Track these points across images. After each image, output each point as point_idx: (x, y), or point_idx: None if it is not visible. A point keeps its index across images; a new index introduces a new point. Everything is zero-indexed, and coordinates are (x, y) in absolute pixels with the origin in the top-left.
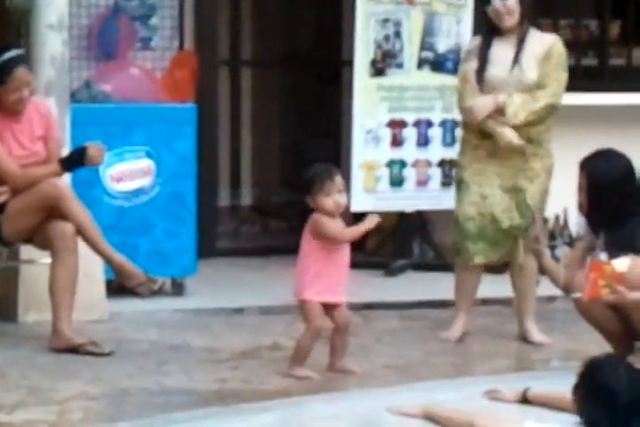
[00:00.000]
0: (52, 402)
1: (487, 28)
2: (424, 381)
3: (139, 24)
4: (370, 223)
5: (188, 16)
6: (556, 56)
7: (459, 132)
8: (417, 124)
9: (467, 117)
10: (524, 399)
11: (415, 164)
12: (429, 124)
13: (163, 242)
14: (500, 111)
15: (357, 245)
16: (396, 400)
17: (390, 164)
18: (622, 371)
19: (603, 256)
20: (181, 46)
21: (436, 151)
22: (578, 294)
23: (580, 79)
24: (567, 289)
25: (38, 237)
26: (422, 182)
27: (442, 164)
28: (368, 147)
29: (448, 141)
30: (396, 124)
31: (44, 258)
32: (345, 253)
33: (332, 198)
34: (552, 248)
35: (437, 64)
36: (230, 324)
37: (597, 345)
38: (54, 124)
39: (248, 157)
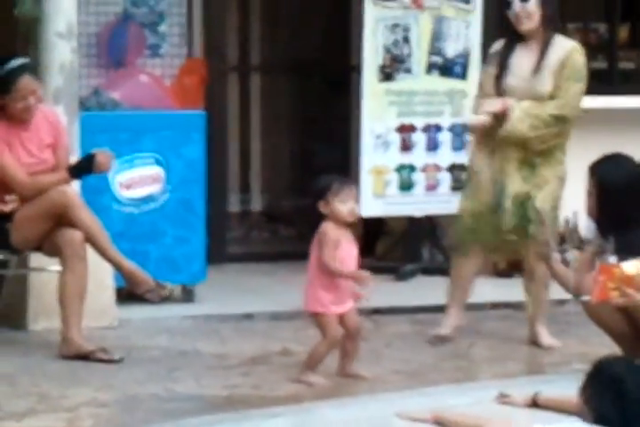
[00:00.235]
0: (63, 409)
1: (510, 32)
2: (434, 385)
3: (148, 31)
4: (360, 277)
5: (197, 23)
6: (570, 66)
7: (469, 137)
8: (426, 128)
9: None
10: (534, 404)
11: (424, 168)
12: (438, 128)
13: (172, 248)
14: (505, 114)
15: (367, 250)
16: (406, 405)
17: (399, 168)
18: (631, 367)
19: (612, 259)
20: (190, 53)
21: (446, 156)
22: (587, 297)
23: (589, 82)
24: (576, 292)
25: (47, 244)
26: (432, 187)
27: (451, 168)
28: (377, 152)
29: (457, 146)
30: (406, 129)
31: (54, 265)
32: (355, 260)
33: (347, 206)
34: (562, 252)
35: (446, 69)
36: (240, 330)
37: (608, 348)
38: (63, 131)
39: (257, 163)
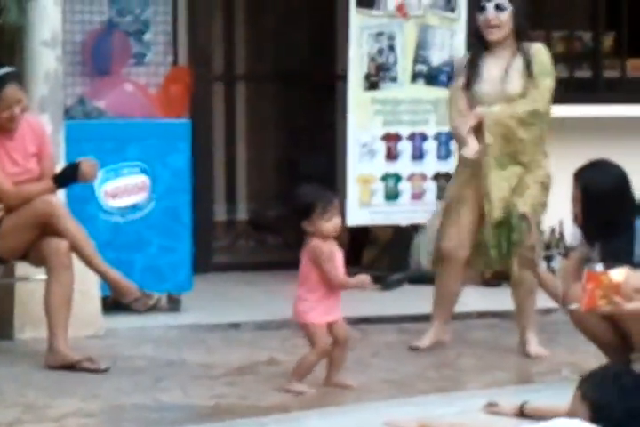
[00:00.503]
0: (49, 419)
1: (476, 42)
2: (421, 395)
3: (132, 40)
4: (363, 282)
5: (182, 31)
6: (537, 63)
7: (453, 146)
8: (411, 137)
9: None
10: (522, 413)
11: (410, 177)
12: (424, 137)
13: (158, 258)
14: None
15: (353, 259)
16: (393, 414)
17: (385, 177)
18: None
19: (599, 267)
20: (175, 62)
21: (431, 165)
22: (574, 306)
23: (573, 91)
24: (563, 300)
25: (33, 254)
26: (418, 196)
27: (437, 177)
28: (363, 160)
29: (443, 155)
30: (391, 138)
31: (40, 275)
32: (343, 268)
33: (331, 223)
34: (548, 259)
35: (431, 77)
36: (226, 339)
37: (595, 357)
38: (48, 140)
39: (243, 172)
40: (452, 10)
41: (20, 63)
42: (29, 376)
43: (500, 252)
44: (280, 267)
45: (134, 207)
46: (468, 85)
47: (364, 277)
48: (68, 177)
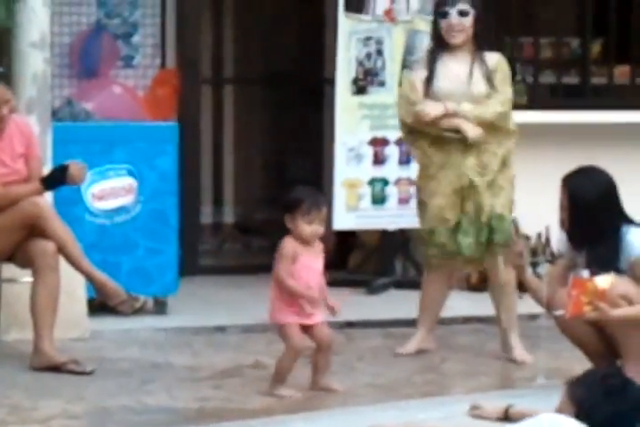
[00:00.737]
0: (33, 421)
1: (435, 43)
2: (406, 399)
3: (121, 42)
4: (313, 296)
5: (170, 34)
6: (501, 72)
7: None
8: (399, 142)
9: (417, 119)
10: (506, 417)
11: (397, 182)
12: None
13: (145, 260)
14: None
15: (339, 263)
16: (378, 419)
17: (372, 182)
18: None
19: (585, 273)
20: (163, 64)
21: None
22: (560, 312)
23: (561, 97)
24: (549, 306)
25: (19, 255)
26: (404, 200)
27: None
28: (350, 165)
29: None
30: (378, 142)
31: (26, 276)
32: (315, 279)
33: (312, 227)
34: (534, 265)
35: None
36: (212, 342)
37: (580, 363)
38: (35, 142)
39: (230, 175)
40: None
41: (7, 64)
42: (14, 378)
43: (474, 251)
44: (266, 270)
45: (121, 209)
46: (429, 80)
47: (313, 295)
48: (57, 179)
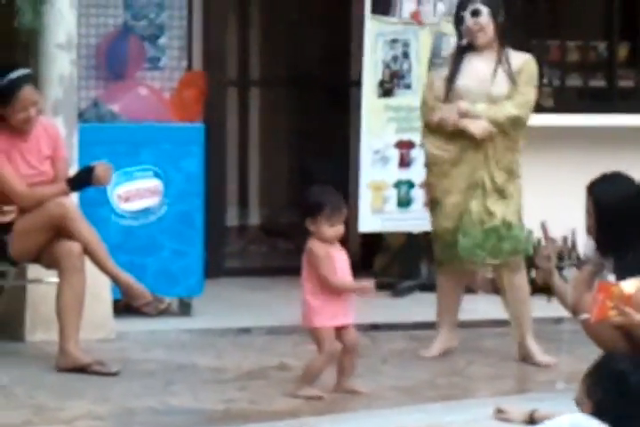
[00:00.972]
0: (59, 421)
1: (463, 44)
2: (431, 402)
3: (147, 44)
4: (365, 286)
5: (197, 36)
6: (527, 72)
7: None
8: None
9: (438, 125)
10: (532, 421)
11: (423, 184)
12: None
13: (170, 262)
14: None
15: (364, 266)
16: (402, 421)
17: (398, 184)
18: (635, 364)
19: (611, 278)
20: (190, 66)
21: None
22: (585, 316)
23: (588, 100)
24: (575, 310)
25: (45, 256)
26: None
27: None
28: (376, 167)
29: None
30: (404, 145)
31: (52, 277)
32: (348, 274)
33: (335, 229)
34: (560, 269)
35: None
36: (237, 344)
37: None
38: (62, 143)
39: (256, 177)
40: None
41: (34, 66)
42: (40, 378)
43: (473, 252)
44: (291, 272)
45: (147, 211)
46: (451, 78)
47: (367, 283)
48: (83, 180)
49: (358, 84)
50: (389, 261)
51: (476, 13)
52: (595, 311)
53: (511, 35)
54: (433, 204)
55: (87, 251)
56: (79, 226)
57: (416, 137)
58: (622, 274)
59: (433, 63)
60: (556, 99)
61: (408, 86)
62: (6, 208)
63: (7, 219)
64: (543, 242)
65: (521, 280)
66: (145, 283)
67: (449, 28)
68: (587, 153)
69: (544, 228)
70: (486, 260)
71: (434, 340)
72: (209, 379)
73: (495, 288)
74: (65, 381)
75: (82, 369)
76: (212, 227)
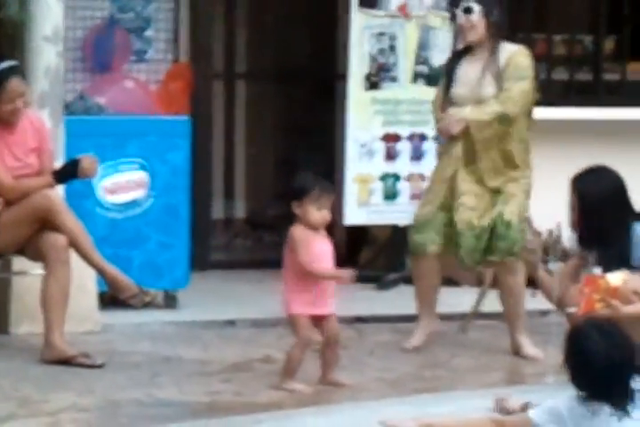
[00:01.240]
0: (44, 414)
1: (458, 49)
2: (415, 394)
3: (134, 36)
4: (343, 275)
5: (183, 29)
6: (513, 66)
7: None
8: (411, 137)
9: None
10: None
11: (409, 177)
12: (423, 137)
13: (156, 254)
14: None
15: (350, 259)
16: (387, 413)
17: (384, 177)
18: (599, 337)
19: (597, 271)
20: (176, 59)
21: (430, 165)
22: (572, 309)
23: (574, 94)
24: (560, 304)
25: (31, 248)
26: (416, 196)
27: None
28: (362, 160)
29: None
30: (390, 138)
31: (37, 269)
32: (329, 262)
33: (321, 213)
34: (545, 263)
35: (432, 78)
36: (222, 336)
37: None
38: (48, 136)
39: (242, 170)
40: None
41: (20, 58)
42: (25, 371)
43: (472, 256)
44: (277, 265)
45: (133, 203)
46: (447, 89)
47: (344, 272)
48: (68, 173)
49: (344, 77)
50: (375, 254)
51: (467, 11)
52: (581, 304)
53: (502, 28)
54: (425, 191)
55: (72, 243)
56: (64, 218)
57: (402, 130)
58: (607, 267)
59: (420, 57)
60: (543, 92)
61: (394, 79)
62: None
63: None
64: (528, 236)
65: (516, 281)
66: (130, 275)
67: (436, 21)
68: (572, 146)
69: (529, 222)
70: (482, 259)
71: (415, 330)
72: (194, 371)
73: (479, 281)
74: (50, 373)
75: (67, 361)
76: (197, 220)
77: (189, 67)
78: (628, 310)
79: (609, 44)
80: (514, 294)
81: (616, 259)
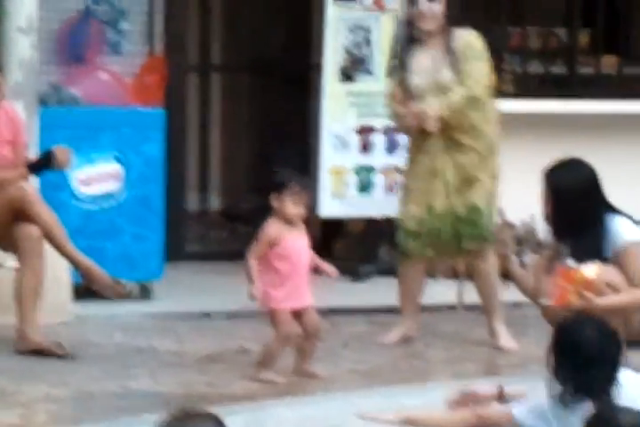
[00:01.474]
0: (17, 405)
1: (406, 35)
2: (390, 385)
3: (108, 28)
4: (257, 285)
5: (158, 21)
6: (468, 48)
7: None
8: (386, 130)
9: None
10: (501, 397)
11: (384, 170)
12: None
13: (130, 246)
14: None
15: (325, 250)
16: (362, 404)
17: (359, 169)
18: (589, 330)
19: (571, 263)
20: (151, 51)
21: (405, 157)
22: (545, 301)
23: (548, 87)
24: (534, 296)
25: (4, 240)
26: (390, 188)
27: None
28: (336, 152)
29: None
30: (365, 130)
31: (10, 261)
32: (303, 257)
33: (297, 209)
34: (519, 254)
35: None
36: (197, 328)
37: None
38: (22, 128)
39: (216, 162)
40: None
41: None
42: None
43: (456, 243)
44: None
45: (107, 195)
46: (403, 82)
47: (256, 282)
48: (43, 165)
49: (319, 68)
50: (349, 246)
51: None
52: (555, 297)
53: (472, 21)
54: (403, 189)
55: (46, 235)
56: (38, 210)
57: (377, 122)
58: (580, 259)
59: (394, 50)
60: (517, 85)
61: (369, 72)
62: None
63: None
64: (501, 228)
65: (487, 268)
66: (105, 267)
67: None
68: (546, 139)
69: (500, 214)
70: (457, 248)
71: (394, 326)
72: (168, 362)
73: (455, 273)
74: (23, 364)
75: (40, 353)
76: (172, 211)
77: (164, 59)
78: (602, 302)
79: (584, 38)
80: (488, 283)
81: (589, 251)
